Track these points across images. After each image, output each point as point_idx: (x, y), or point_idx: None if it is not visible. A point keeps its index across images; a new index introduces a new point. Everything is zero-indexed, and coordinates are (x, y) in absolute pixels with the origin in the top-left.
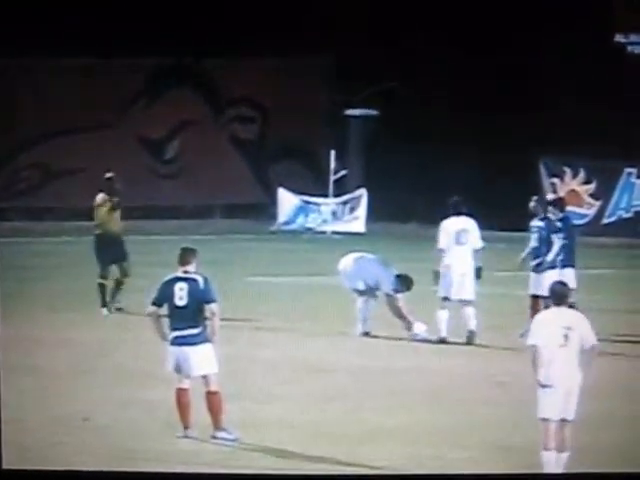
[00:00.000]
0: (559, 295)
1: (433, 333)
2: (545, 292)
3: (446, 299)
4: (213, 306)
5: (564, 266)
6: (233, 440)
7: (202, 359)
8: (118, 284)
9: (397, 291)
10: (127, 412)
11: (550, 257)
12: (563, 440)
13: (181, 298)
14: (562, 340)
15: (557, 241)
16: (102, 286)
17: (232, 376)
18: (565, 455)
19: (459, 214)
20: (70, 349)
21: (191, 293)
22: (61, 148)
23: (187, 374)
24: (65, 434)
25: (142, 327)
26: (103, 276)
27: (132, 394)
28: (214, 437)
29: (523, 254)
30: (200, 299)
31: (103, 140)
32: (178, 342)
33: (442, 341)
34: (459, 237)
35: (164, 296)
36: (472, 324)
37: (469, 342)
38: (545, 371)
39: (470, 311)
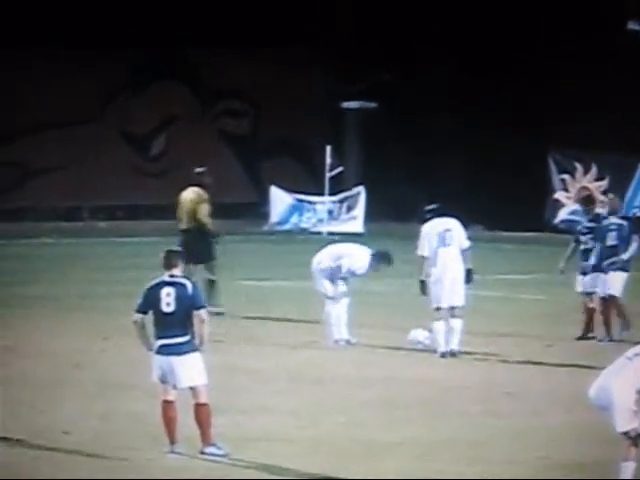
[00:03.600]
0: None
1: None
2: (618, 292)
3: (439, 309)
4: (202, 312)
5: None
6: (223, 455)
7: (190, 369)
8: (211, 284)
9: (377, 270)
10: (109, 425)
11: (626, 256)
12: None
13: (168, 304)
14: None
15: (636, 241)
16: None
17: (222, 387)
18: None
19: (441, 215)
20: (47, 359)
21: (179, 299)
22: (39, 145)
23: (174, 385)
24: (44, 449)
25: (125, 335)
26: (189, 274)
27: (114, 406)
28: (203, 452)
29: (567, 253)
30: (188, 305)
31: (84, 136)
32: (164, 351)
33: (444, 356)
34: (444, 239)
35: (150, 302)
36: (456, 341)
37: (451, 355)
38: None
39: (457, 324)
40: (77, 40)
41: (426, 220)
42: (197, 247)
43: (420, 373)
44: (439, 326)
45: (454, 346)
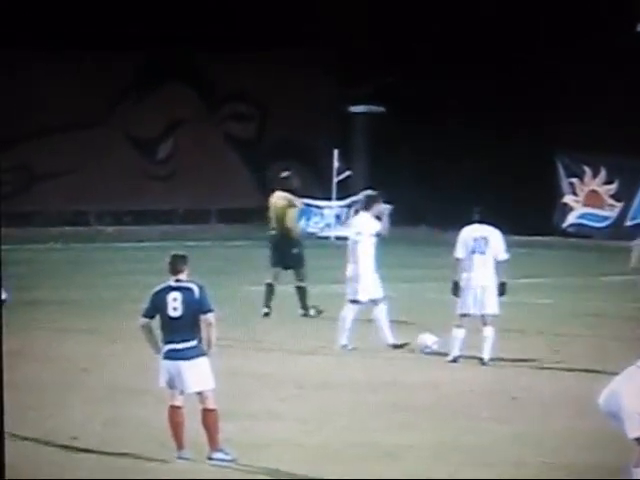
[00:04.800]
0: None
1: (443, 347)
2: None
3: (465, 316)
4: (209, 316)
5: None
6: (231, 461)
7: (198, 374)
8: (301, 291)
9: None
10: (117, 430)
11: None
12: None
13: (175, 309)
14: None
15: None
16: (270, 286)
17: (229, 392)
18: None
19: (481, 222)
20: (55, 363)
21: (186, 303)
22: (46, 149)
23: (181, 390)
24: (51, 453)
25: (132, 340)
26: (274, 278)
27: (122, 411)
28: (210, 458)
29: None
30: (195, 309)
31: (90, 140)
32: (172, 356)
33: (454, 360)
34: (478, 245)
35: (156, 307)
36: (487, 352)
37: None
38: None
39: (489, 332)
40: (83, 43)
41: (468, 223)
42: (287, 253)
43: (426, 378)
44: (458, 332)
45: (485, 355)
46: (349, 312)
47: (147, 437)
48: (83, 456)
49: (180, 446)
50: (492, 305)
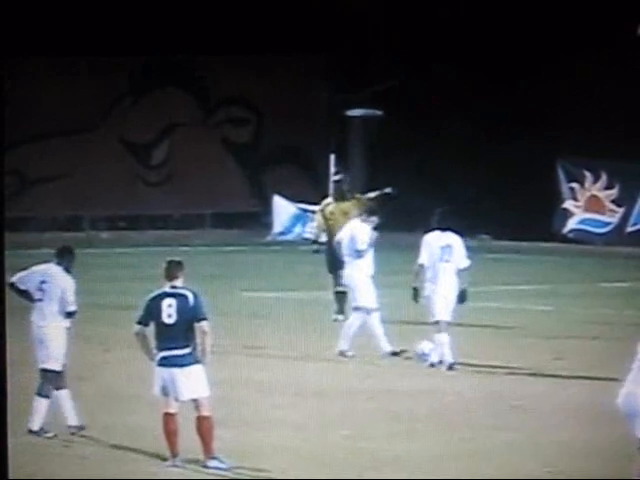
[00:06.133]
0: None
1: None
2: None
3: (438, 322)
4: (204, 324)
5: None
6: (226, 469)
7: (192, 382)
8: (338, 295)
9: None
10: (110, 438)
11: None
12: None
13: (169, 315)
14: None
15: None
16: (339, 293)
17: (224, 399)
18: None
19: (445, 229)
20: None
21: (180, 310)
22: (39, 153)
23: (176, 397)
24: (45, 461)
25: (127, 347)
26: (337, 284)
27: (116, 418)
28: (205, 466)
29: None
30: (190, 316)
31: (84, 144)
32: (166, 363)
33: (451, 367)
34: (444, 254)
35: (151, 314)
36: (448, 353)
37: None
38: None
39: (445, 338)
40: (77, 48)
41: (429, 230)
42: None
43: (426, 385)
44: (443, 338)
45: (449, 358)
46: (355, 320)
47: (141, 444)
48: (77, 463)
49: (174, 453)
50: (448, 313)
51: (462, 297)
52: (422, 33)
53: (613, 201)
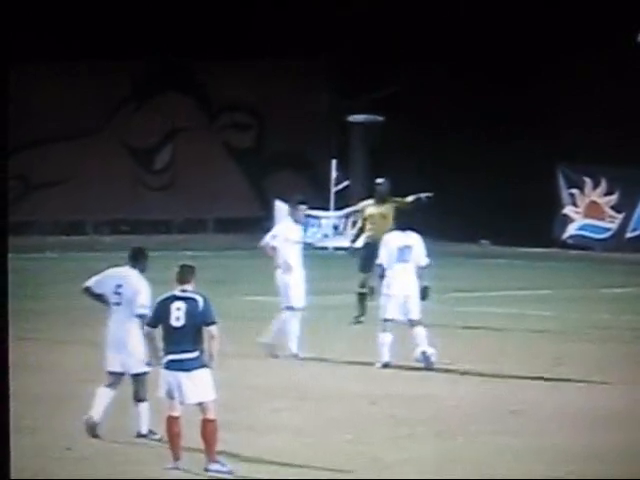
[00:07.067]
0: None
1: (441, 358)
2: None
3: (388, 321)
4: (212, 328)
5: None
6: (227, 472)
7: (198, 385)
8: (367, 296)
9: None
10: (112, 441)
11: None
12: None
13: (178, 318)
14: None
15: None
16: (362, 295)
17: (225, 403)
18: None
19: (404, 229)
20: (51, 374)
21: (189, 314)
22: (42, 158)
23: (181, 401)
24: (46, 464)
25: None
26: (362, 285)
27: (118, 422)
28: (207, 469)
29: None
30: (199, 321)
31: (87, 149)
32: (173, 367)
33: (386, 366)
34: (402, 254)
35: (160, 316)
36: (425, 345)
37: (428, 367)
38: None
39: (420, 331)
40: (80, 52)
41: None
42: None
43: (425, 390)
44: (385, 337)
45: (426, 349)
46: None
47: (143, 448)
48: (78, 466)
49: (176, 457)
50: (416, 311)
51: (424, 294)
52: (422, 35)
53: (613, 207)
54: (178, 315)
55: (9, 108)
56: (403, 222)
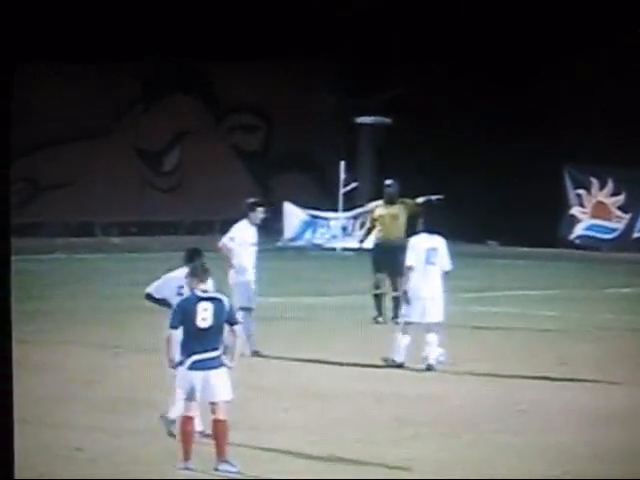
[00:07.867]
0: None
1: (448, 359)
2: None
3: (409, 324)
4: (237, 328)
5: None
6: (236, 472)
7: (218, 384)
8: (395, 300)
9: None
10: (121, 441)
11: None
12: None
13: (204, 319)
14: None
15: None
16: (377, 296)
17: (233, 403)
18: None
19: (430, 232)
20: (59, 374)
21: (216, 314)
22: (51, 160)
23: (209, 399)
24: (56, 465)
25: (137, 350)
26: (376, 286)
27: (126, 422)
28: (216, 469)
29: None
30: (224, 321)
31: (96, 151)
32: (199, 366)
33: (400, 366)
34: (430, 256)
35: (184, 317)
36: (433, 356)
37: (433, 369)
38: None
39: (434, 338)
40: (89, 54)
41: (415, 233)
42: (399, 260)
43: (431, 390)
44: (404, 339)
45: (431, 360)
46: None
47: (152, 448)
48: (87, 467)
49: (187, 457)
50: (439, 314)
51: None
52: (422, 36)
53: (619, 207)
54: (205, 316)
55: (17, 110)
56: (430, 224)
